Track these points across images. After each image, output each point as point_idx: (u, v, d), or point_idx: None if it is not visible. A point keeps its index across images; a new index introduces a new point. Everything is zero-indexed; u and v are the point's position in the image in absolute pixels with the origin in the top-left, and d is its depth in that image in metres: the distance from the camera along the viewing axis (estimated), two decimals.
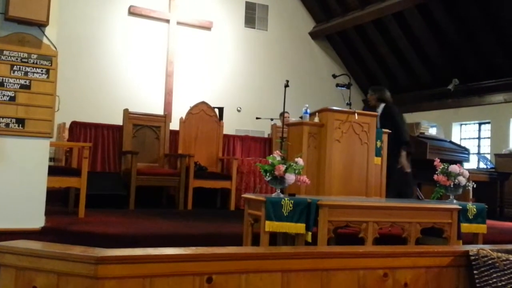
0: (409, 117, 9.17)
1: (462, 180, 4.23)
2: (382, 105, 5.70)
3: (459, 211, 3.95)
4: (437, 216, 3.87)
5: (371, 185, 4.83)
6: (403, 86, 10.64)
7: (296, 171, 3.62)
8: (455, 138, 9.50)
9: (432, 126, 7.74)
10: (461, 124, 9.91)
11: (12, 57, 3.89)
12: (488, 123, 9.37)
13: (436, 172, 4.29)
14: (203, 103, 6.94)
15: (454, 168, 4.24)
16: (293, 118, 6.92)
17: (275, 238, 3.88)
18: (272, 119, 7.70)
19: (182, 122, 6.68)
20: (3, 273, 2.14)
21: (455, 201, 4.24)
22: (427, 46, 9.55)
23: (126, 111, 6.41)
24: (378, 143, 4.96)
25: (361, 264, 2.57)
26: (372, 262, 2.61)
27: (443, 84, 9.45)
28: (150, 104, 9.01)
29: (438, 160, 4.37)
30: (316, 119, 4.84)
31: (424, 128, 6.46)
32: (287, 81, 5.53)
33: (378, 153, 4.95)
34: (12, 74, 3.88)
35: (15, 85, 3.89)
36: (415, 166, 5.71)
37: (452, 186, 4.22)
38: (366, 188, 4.80)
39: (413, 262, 2.71)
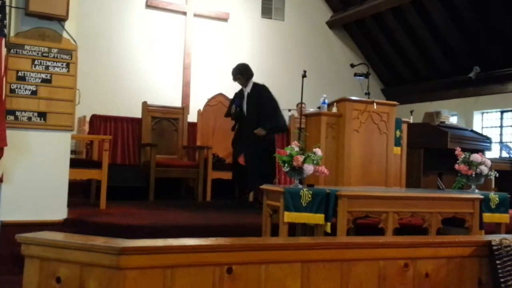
0: (430, 106, 9.06)
1: (484, 169, 4.17)
2: (251, 83, 5.66)
3: (481, 201, 3.90)
4: (458, 206, 3.82)
5: (390, 175, 4.80)
6: (422, 74, 10.49)
7: (315, 162, 3.62)
8: (476, 127, 9.34)
9: (452, 115, 7.63)
10: (482, 113, 9.74)
11: (33, 52, 3.94)
12: (511, 111, 9.19)
13: (457, 162, 4.24)
14: (221, 95, 6.95)
15: (475, 157, 4.18)
16: (310, 109, 6.88)
17: (294, 229, 3.89)
18: (289, 110, 7.66)
19: (200, 114, 6.70)
20: (28, 264, 2.19)
21: (477, 190, 4.19)
22: (447, 34, 9.37)
23: (144, 104, 6.45)
24: (398, 132, 4.92)
25: (381, 255, 2.56)
26: (392, 253, 2.59)
27: (463, 72, 9.28)
28: (168, 96, 9.06)
29: (459, 149, 4.32)
30: (334, 109, 4.81)
31: (444, 117, 6.36)
32: (305, 71, 5.49)
33: (397, 142, 4.91)
34: (33, 68, 3.94)
35: (37, 79, 3.95)
36: (436, 155, 5.65)
37: (473, 175, 4.17)
38: (386, 178, 4.78)
39: (434, 252, 2.69)
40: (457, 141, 5.66)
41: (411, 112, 6.69)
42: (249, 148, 5.44)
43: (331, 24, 10.87)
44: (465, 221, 3.83)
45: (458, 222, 3.89)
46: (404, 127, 5.09)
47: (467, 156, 4.21)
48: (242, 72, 5.65)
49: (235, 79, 5.68)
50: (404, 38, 10.11)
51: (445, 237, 3.10)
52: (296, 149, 3.64)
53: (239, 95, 5.74)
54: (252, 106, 5.55)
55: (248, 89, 5.63)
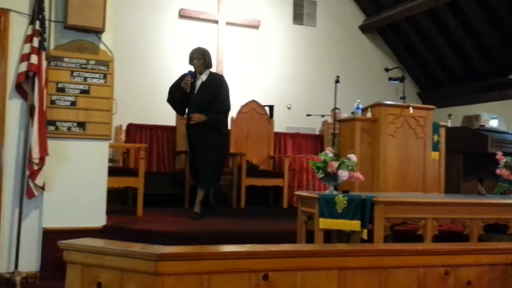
0: (468, 109, 8.83)
1: None
2: (208, 71, 5.17)
3: None
4: (500, 211, 3.70)
5: (428, 180, 4.71)
6: (460, 77, 10.24)
7: (349, 168, 3.58)
8: None
9: (492, 118, 7.40)
10: None
11: (71, 64, 4.08)
12: None
13: (499, 166, 4.13)
14: (253, 101, 6.98)
15: None
16: (344, 114, 6.82)
17: (329, 236, 3.85)
18: (323, 116, 7.62)
19: (233, 121, 6.74)
20: (70, 270, 2.25)
21: None
22: (484, 35, 9.13)
23: None
24: (435, 137, 4.82)
25: (420, 262, 2.50)
26: (432, 260, 2.53)
27: (503, 73, 9.01)
28: None
29: (501, 154, 4.20)
30: (369, 115, 4.76)
31: (484, 120, 6.19)
32: (338, 76, 5.46)
33: (435, 147, 4.81)
34: (72, 80, 4.07)
35: (76, 90, 4.08)
36: (475, 160, 5.49)
37: None
38: (424, 183, 4.68)
39: (476, 260, 2.61)
40: (498, 145, 5.50)
41: (449, 115, 6.54)
42: (208, 145, 5.05)
43: (364, 28, 10.76)
44: (508, 228, 3.70)
45: (500, 228, 3.77)
46: (442, 131, 4.98)
47: (509, 161, 4.09)
48: (205, 56, 5.14)
49: (193, 59, 5.11)
50: (439, 40, 9.91)
51: (487, 244, 3.01)
52: (330, 155, 3.61)
53: (191, 73, 5.12)
54: (207, 95, 5.06)
55: (203, 77, 5.13)
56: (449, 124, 5.96)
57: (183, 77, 5.12)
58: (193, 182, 5.43)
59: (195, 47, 5.32)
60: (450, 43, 9.82)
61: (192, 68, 5.18)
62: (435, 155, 4.82)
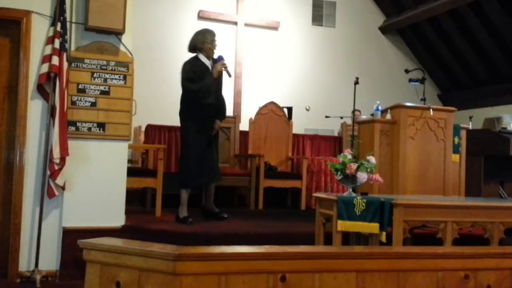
0: (490, 112, 8.69)
1: None
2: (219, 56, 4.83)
3: None
4: None
5: (448, 183, 4.64)
6: (481, 79, 10.08)
7: (368, 170, 3.55)
8: None
9: None
10: None
11: (92, 65, 4.13)
12: None
13: None
14: (272, 103, 6.97)
15: None
16: (364, 116, 6.77)
17: (347, 238, 3.82)
18: (342, 117, 7.57)
19: (251, 122, 6.75)
20: (89, 269, 2.28)
21: None
22: (507, 36, 8.97)
23: None
24: (456, 139, 4.76)
25: (440, 265, 2.47)
26: (452, 263, 2.50)
27: None
28: None
29: None
30: (388, 116, 4.72)
31: (506, 123, 6.08)
32: (357, 78, 5.42)
33: (456, 150, 4.74)
34: (92, 81, 4.12)
35: (96, 91, 4.13)
36: (497, 163, 5.40)
37: None
38: (444, 186, 4.63)
39: (497, 264, 2.57)
40: None
41: (470, 118, 6.44)
42: (217, 139, 4.93)
43: (384, 29, 10.67)
44: None
45: None
46: (463, 133, 4.92)
47: None
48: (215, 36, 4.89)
49: (214, 41, 4.84)
50: (461, 42, 9.77)
51: (508, 248, 2.95)
52: (349, 157, 3.59)
53: (202, 64, 4.77)
54: (217, 84, 4.78)
55: (212, 63, 4.81)
56: (470, 127, 5.87)
57: (191, 63, 4.84)
58: (202, 182, 4.91)
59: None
60: (471, 44, 9.68)
61: (201, 50, 4.91)
62: (455, 157, 4.75)
